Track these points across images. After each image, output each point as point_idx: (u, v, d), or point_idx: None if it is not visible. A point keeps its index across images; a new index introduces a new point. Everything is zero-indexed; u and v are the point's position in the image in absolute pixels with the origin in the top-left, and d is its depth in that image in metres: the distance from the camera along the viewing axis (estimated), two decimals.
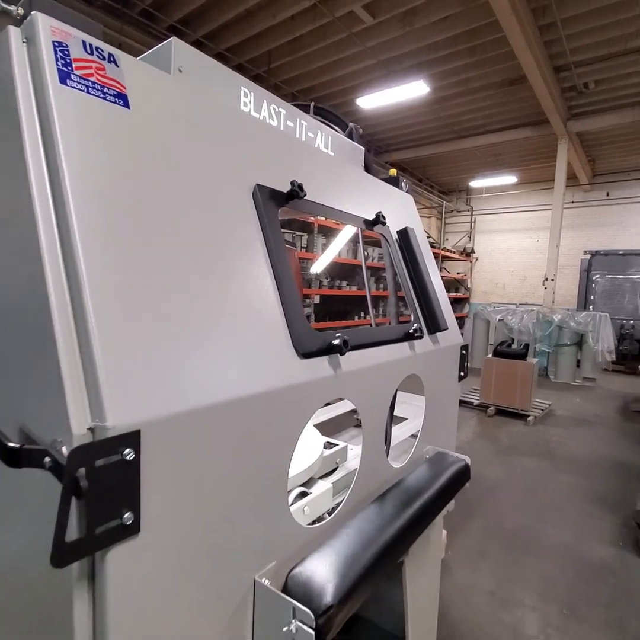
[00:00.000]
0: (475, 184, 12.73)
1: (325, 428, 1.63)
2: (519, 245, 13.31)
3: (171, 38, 0.83)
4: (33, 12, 0.58)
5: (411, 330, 1.08)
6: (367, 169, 1.43)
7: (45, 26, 0.58)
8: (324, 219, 1.08)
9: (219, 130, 0.79)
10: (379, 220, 1.16)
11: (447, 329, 1.25)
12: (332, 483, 1.04)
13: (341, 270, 8.40)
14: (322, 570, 0.71)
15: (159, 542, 0.53)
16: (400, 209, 1.37)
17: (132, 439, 0.49)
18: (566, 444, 4.61)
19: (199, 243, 0.67)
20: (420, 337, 1.12)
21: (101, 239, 0.54)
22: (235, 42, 6.53)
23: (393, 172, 1.61)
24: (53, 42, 0.58)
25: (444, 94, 7.74)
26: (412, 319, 1.17)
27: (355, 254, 8.44)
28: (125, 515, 0.49)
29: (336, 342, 0.80)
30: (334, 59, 6.76)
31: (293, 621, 0.64)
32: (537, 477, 3.76)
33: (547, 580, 2.42)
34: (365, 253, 8.67)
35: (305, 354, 0.76)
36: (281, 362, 0.72)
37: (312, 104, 1.55)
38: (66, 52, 0.59)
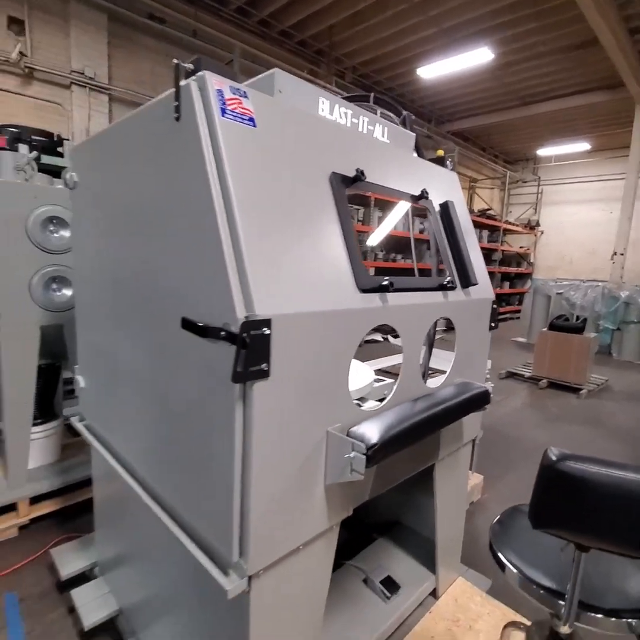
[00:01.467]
0: (544, 152, 12.07)
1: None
2: (589, 218, 12.55)
3: (274, 69, 1.18)
4: (204, 71, 0.96)
5: (445, 282, 1.40)
6: (418, 151, 1.72)
7: (211, 80, 0.95)
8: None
9: (307, 132, 1.15)
10: (422, 195, 1.47)
11: (476, 283, 1.55)
12: (379, 401, 1.41)
13: (397, 244, 8.55)
14: (370, 429, 1.08)
15: (277, 385, 0.93)
16: (443, 185, 1.65)
17: (267, 323, 0.88)
18: (615, 416, 4.65)
19: (302, 210, 1.04)
20: (453, 288, 1.43)
21: (248, 204, 0.92)
22: (298, 19, 6.72)
23: (440, 153, 1.88)
24: (216, 89, 0.95)
25: (508, 60, 7.47)
26: (447, 274, 1.48)
27: (411, 228, 8.51)
28: (263, 365, 0.88)
29: (385, 283, 1.15)
30: (395, 30, 6.76)
31: (352, 452, 1.02)
32: (581, 442, 3.92)
33: None
34: (422, 225, 8.73)
35: (363, 290, 1.12)
36: (349, 293, 1.08)
37: (372, 94, 1.85)
38: (222, 95, 0.96)
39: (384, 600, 1.67)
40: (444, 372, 2.01)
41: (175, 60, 0.99)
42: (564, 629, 1.00)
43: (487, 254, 10.84)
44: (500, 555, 1.09)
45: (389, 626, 1.61)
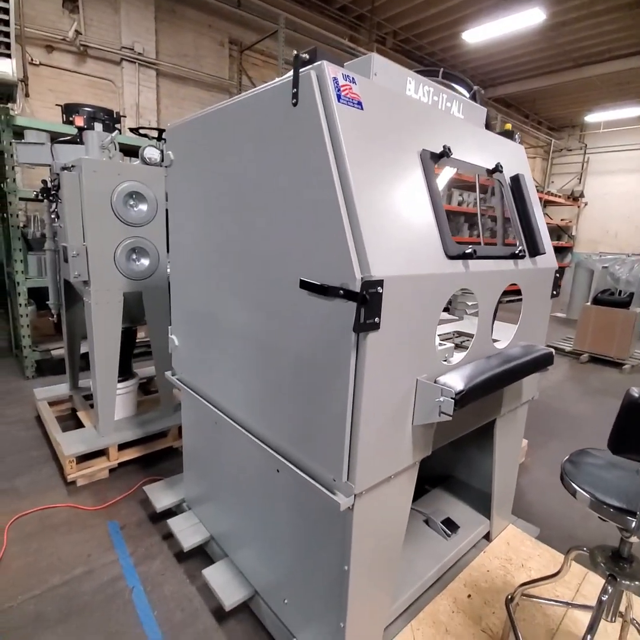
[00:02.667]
0: (592, 118, 11.47)
1: None
2: (638, 189, 11.94)
3: (372, 54, 1.29)
4: (322, 61, 1.09)
5: (517, 251, 1.51)
6: (487, 125, 1.80)
7: (328, 69, 1.08)
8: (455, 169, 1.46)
9: (400, 112, 1.27)
10: (497, 168, 1.56)
11: (545, 253, 1.65)
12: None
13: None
14: (454, 379, 1.24)
15: (384, 337, 1.09)
16: (513, 158, 1.74)
17: (380, 283, 1.03)
18: None
19: (400, 184, 1.18)
20: (523, 256, 1.54)
21: (360, 180, 1.07)
22: None
23: (508, 126, 1.94)
24: (332, 77, 1.09)
25: (562, 19, 7.09)
26: (517, 244, 1.59)
27: (450, 200, 8.43)
28: (376, 319, 1.05)
29: (469, 250, 1.28)
30: None
31: (442, 397, 1.19)
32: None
33: None
34: (460, 197, 8.59)
35: (450, 256, 1.25)
36: (439, 259, 1.22)
37: (442, 70, 1.92)
38: (337, 82, 1.09)
39: (445, 538, 1.87)
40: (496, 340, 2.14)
41: (294, 51, 1.12)
42: (634, 539, 1.17)
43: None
44: (572, 483, 1.24)
45: (450, 559, 1.81)
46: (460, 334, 1.96)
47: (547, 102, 11.37)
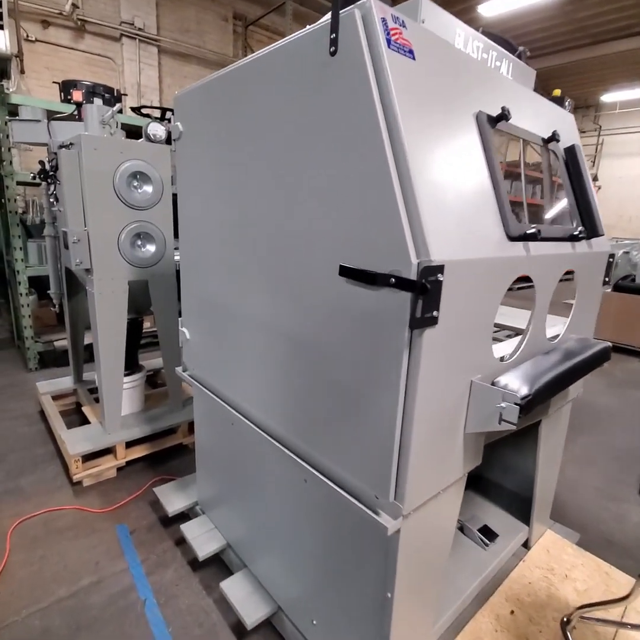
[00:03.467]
0: (608, 98, 11.08)
1: None
2: None
3: None
4: None
5: (577, 232, 1.32)
6: (534, 89, 1.59)
7: (376, 7, 0.89)
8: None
9: (454, 67, 1.07)
10: (554, 137, 1.36)
11: (603, 234, 1.46)
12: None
13: None
14: (516, 380, 1.07)
15: (440, 333, 0.92)
16: (565, 127, 1.53)
17: (441, 269, 0.85)
18: None
19: (456, 151, 0.99)
20: (583, 238, 1.36)
21: (415, 145, 0.88)
22: None
23: (557, 92, 1.73)
24: (380, 18, 0.89)
25: None
26: (575, 224, 1.40)
27: None
28: (434, 312, 0.87)
29: (532, 231, 1.09)
30: None
31: (503, 403, 1.01)
32: None
33: None
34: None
35: (511, 238, 1.07)
36: (499, 240, 1.04)
37: (480, 29, 1.70)
38: (386, 24, 0.90)
39: (483, 548, 1.72)
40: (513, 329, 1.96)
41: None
42: None
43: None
44: None
45: (490, 572, 1.66)
46: (500, 326, 1.78)
47: (561, 81, 10.95)
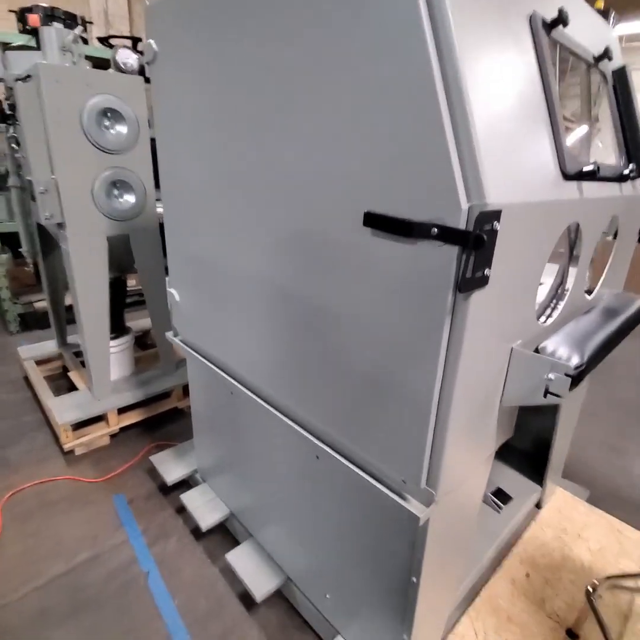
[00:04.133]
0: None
1: None
2: None
3: None
4: None
5: (629, 171, 1.14)
6: None
7: None
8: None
9: None
10: (606, 55, 1.14)
11: None
12: None
13: None
14: (563, 346, 0.92)
15: (487, 296, 0.75)
16: (613, 45, 1.30)
17: (497, 216, 0.67)
18: None
19: (509, 64, 0.78)
20: (635, 177, 1.17)
21: (464, 51, 0.67)
22: None
23: (599, 4, 1.47)
24: None
25: None
26: (623, 161, 1.21)
27: None
28: (485, 270, 0.70)
29: (590, 168, 0.91)
30: None
31: (551, 373, 0.87)
32: None
33: None
34: None
35: (567, 176, 0.88)
36: (555, 180, 0.85)
37: None
38: None
39: (497, 510, 1.67)
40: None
41: None
42: None
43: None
44: None
45: (505, 534, 1.61)
46: None
47: None
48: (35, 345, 3.10)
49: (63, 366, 3.09)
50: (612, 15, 1.41)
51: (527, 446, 1.95)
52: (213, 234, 1.30)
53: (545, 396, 0.90)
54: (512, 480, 1.84)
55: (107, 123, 2.09)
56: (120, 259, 2.41)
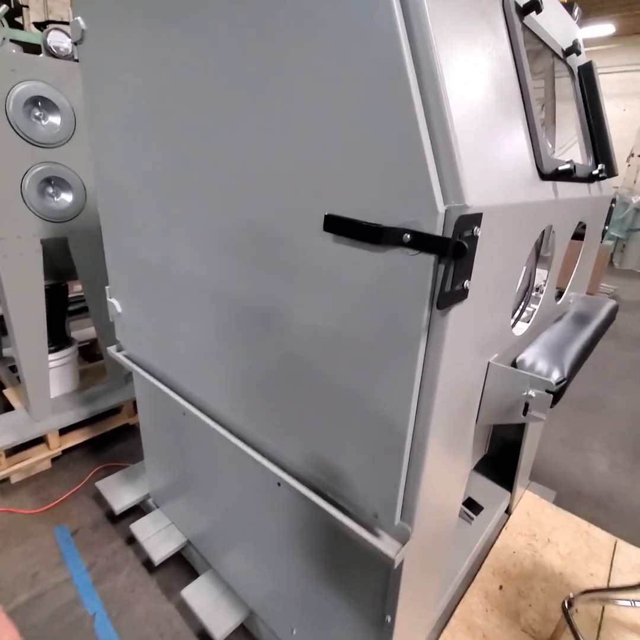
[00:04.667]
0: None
1: None
2: (613, 115, 11.69)
3: None
4: None
5: (598, 171, 1.09)
6: None
7: None
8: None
9: None
10: (575, 48, 1.09)
11: (617, 174, 1.24)
12: None
13: None
14: (541, 359, 0.86)
15: (466, 308, 0.67)
16: (579, 41, 1.26)
17: (477, 220, 0.59)
18: (631, 328, 4.65)
19: (483, 53, 0.69)
20: (603, 178, 1.13)
21: (442, 31, 0.58)
22: None
23: None
24: None
25: None
26: (591, 161, 1.17)
27: None
28: (465, 282, 0.61)
29: (566, 167, 0.84)
30: None
31: (531, 390, 0.80)
32: (603, 354, 3.90)
33: (614, 434, 2.69)
34: None
35: (544, 176, 0.81)
36: (531, 180, 0.78)
37: None
38: None
39: (468, 521, 1.62)
40: None
41: None
42: None
43: None
44: None
45: (478, 546, 1.56)
46: None
47: None
48: None
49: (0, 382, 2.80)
50: (577, 10, 1.38)
51: (495, 452, 1.92)
52: (155, 235, 1.16)
53: (524, 414, 0.83)
54: (481, 487, 1.80)
55: (37, 113, 1.87)
56: (59, 264, 2.19)
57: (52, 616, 1.50)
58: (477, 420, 0.90)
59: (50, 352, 2.28)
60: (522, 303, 1.23)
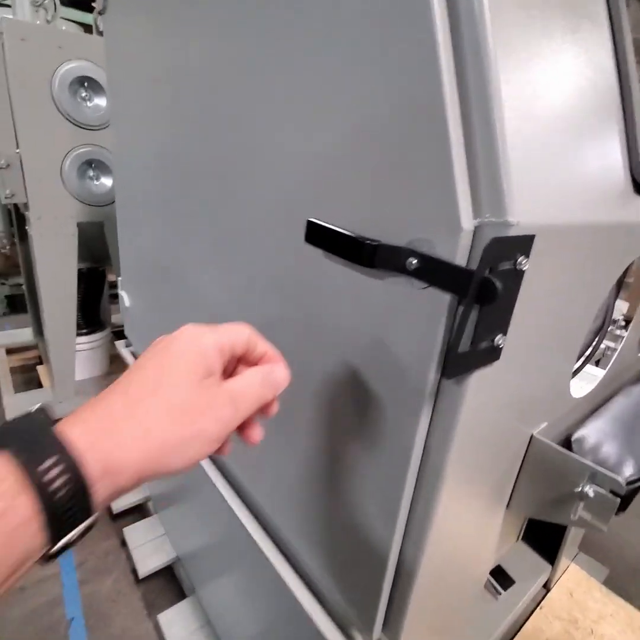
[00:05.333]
0: None
1: None
2: None
3: None
4: None
5: None
6: None
7: None
8: None
9: None
10: None
11: None
12: None
13: None
14: (610, 442, 0.62)
15: (509, 367, 0.46)
16: None
17: (527, 245, 0.38)
18: None
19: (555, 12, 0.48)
20: None
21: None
22: None
23: None
24: None
25: None
26: None
27: None
28: (498, 337, 0.40)
29: None
30: None
31: (589, 485, 0.57)
32: None
33: None
34: None
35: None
36: (622, 194, 0.55)
37: None
38: None
39: (495, 596, 1.36)
40: None
41: None
42: None
43: None
44: None
45: (502, 628, 1.30)
46: None
47: None
48: (10, 331, 2.90)
49: (39, 357, 2.87)
50: None
51: None
52: (161, 232, 1.03)
53: (574, 517, 0.59)
54: (517, 555, 1.53)
55: (83, 94, 1.84)
56: (96, 248, 2.17)
57: (32, 613, 1.44)
58: (508, 505, 0.68)
59: (82, 334, 2.28)
60: (593, 343, 0.97)
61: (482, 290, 0.35)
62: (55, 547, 0.26)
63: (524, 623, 1.38)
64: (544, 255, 0.41)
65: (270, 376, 0.36)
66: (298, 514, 0.67)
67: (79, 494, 0.25)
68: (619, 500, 0.55)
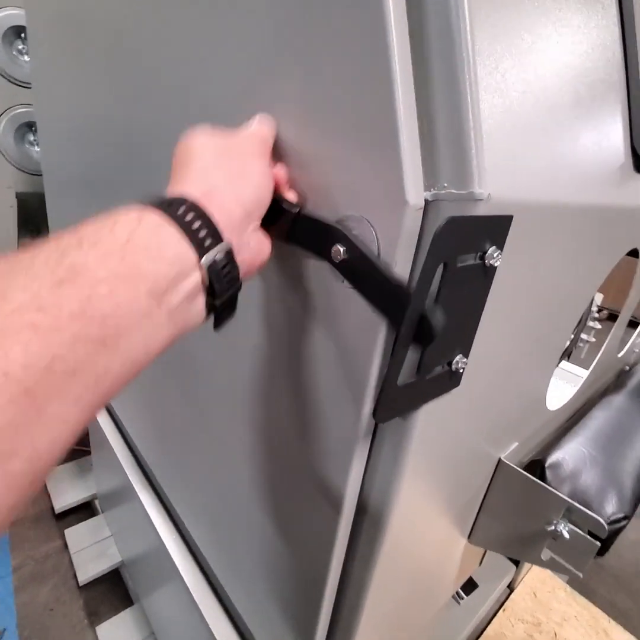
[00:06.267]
0: None
1: None
2: None
3: None
4: None
5: None
6: None
7: None
8: None
9: None
10: None
11: None
12: None
13: None
14: (590, 469, 0.52)
15: (463, 401, 0.35)
16: None
17: (501, 229, 0.26)
18: None
19: None
20: None
21: None
22: None
23: None
24: None
25: None
26: None
27: None
28: (457, 357, 0.29)
29: None
30: None
31: (562, 522, 0.47)
32: None
33: None
34: None
35: None
36: (621, 172, 0.44)
37: None
38: None
39: (457, 602, 1.30)
40: None
41: None
42: None
43: None
44: None
45: (466, 633, 1.25)
46: None
47: None
48: None
49: None
50: None
51: None
52: (99, 199, 0.88)
53: (544, 558, 0.50)
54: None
55: (20, 46, 1.62)
56: (39, 223, 1.97)
57: None
58: (469, 537, 0.58)
59: None
60: (571, 338, 0.88)
61: (418, 326, 0.23)
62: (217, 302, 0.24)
63: (486, 628, 1.33)
64: (523, 245, 0.29)
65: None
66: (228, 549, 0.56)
67: (229, 254, 0.24)
68: (599, 544, 0.46)
